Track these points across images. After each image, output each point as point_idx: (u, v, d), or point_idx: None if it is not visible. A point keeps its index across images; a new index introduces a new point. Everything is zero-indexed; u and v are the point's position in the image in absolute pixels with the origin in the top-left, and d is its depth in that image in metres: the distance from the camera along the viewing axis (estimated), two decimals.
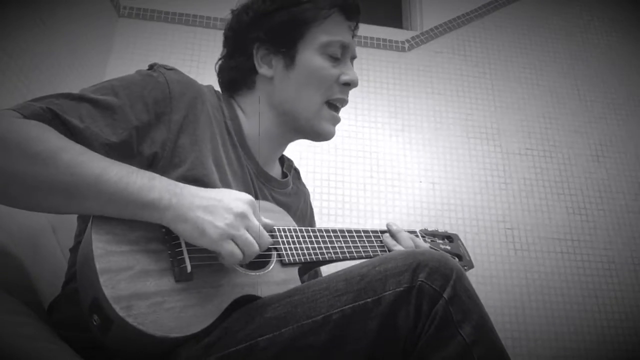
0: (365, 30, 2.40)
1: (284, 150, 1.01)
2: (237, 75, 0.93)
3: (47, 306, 0.80)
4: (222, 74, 0.97)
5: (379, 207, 2.07)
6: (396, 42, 2.39)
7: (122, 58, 2.11)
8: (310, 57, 0.89)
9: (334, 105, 0.94)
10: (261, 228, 0.68)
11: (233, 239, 0.64)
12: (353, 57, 0.96)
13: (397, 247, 0.92)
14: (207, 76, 2.00)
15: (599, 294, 2.08)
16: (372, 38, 2.37)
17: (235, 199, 0.67)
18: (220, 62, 0.98)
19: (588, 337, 1.99)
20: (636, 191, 2.31)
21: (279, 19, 0.89)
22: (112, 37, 2.13)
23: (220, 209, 0.65)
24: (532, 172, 2.26)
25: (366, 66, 2.32)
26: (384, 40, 2.38)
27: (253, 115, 0.92)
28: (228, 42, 0.96)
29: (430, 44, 2.42)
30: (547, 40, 2.55)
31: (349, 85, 0.92)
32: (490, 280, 2.01)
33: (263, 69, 0.90)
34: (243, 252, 0.65)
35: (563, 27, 2.61)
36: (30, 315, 0.69)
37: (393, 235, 0.95)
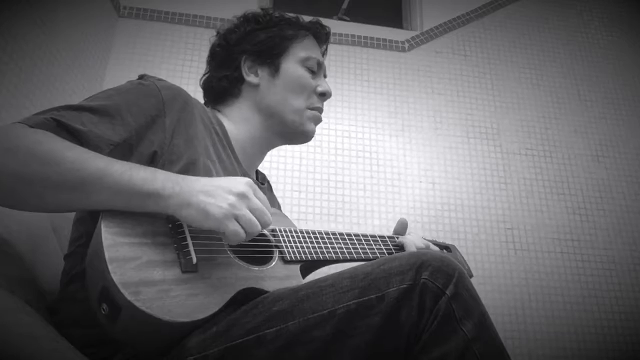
0: (365, 30, 2.40)
1: (263, 158, 1.08)
2: (225, 85, 1.01)
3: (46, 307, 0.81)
4: (209, 86, 1.05)
5: (379, 207, 2.07)
6: (396, 42, 2.39)
7: (122, 58, 2.12)
8: (293, 67, 1.00)
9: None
10: (262, 207, 0.70)
11: (236, 218, 0.67)
12: (325, 76, 1.08)
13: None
14: None
15: (599, 294, 2.08)
16: (372, 38, 2.37)
17: (234, 181, 0.70)
18: (206, 76, 1.06)
19: (588, 337, 2.00)
20: (636, 191, 2.31)
21: (265, 35, 1.01)
22: (112, 37, 2.13)
23: (221, 192, 0.67)
24: (532, 172, 2.26)
25: (366, 66, 2.32)
26: (384, 40, 2.39)
27: (239, 121, 0.99)
28: (215, 57, 1.06)
29: (430, 44, 2.43)
30: (547, 40, 2.56)
31: (324, 95, 1.03)
32: (490, 280, 2.01)
33: (250, 78, 1.00)
34: (246, 231, 0.67)
35: (563, 27, 2.61)
36: (33, 314, 0.69)
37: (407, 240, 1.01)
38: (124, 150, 0.74)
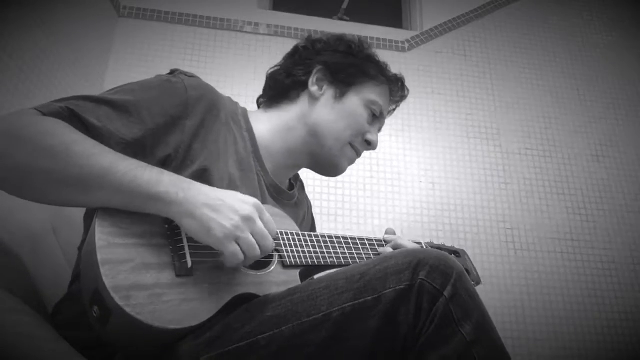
0: (365, 30, 2.40)
1: (294, 173, 1.05)
2: (289, 84, 0.99)
3: (50, 307, 0.80)
4: (274, 79, 1.02)
5: (379, 207, 2.07)
6: (396, 42, 2.39)
7: (122, 58, 2.12)
8: (358, 102, 0.98)
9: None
10: (265, 232, 0.68)
11: (237, 240, 0.65)
12: (380, 129, 1.06)
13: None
14: (207, 76, 2.01)
15: (599, 294, 2.08)
16: (372, 38, 2.37)
17: (240, 201, 0.67)
18: (275, 69, 1.04)
19: (588, 337, 1.99)
20: (636, 191, 2.31)
21: (349, 61, 0.99)
22: (112, 37, 2.13)
23: (226, 209, 0.65)
24: (532, 172, 2.26)
25: None
26: (384, 40, 2.38)
27: (280, 129, 0.96)
28: (295, 55, 1.03)
29: (430, 44, 2.43)
30: (547, 40, 2.56)
31: (369, 144, 1.00)
32: (490, 280, 2.01)
33: (314, 88, 0.97)
34: (245, 255, 0.66)
35: (563, 27, 2.61)
36: (32, 314, 0.69)
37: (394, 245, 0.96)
38: (136, 149, 0.72)
